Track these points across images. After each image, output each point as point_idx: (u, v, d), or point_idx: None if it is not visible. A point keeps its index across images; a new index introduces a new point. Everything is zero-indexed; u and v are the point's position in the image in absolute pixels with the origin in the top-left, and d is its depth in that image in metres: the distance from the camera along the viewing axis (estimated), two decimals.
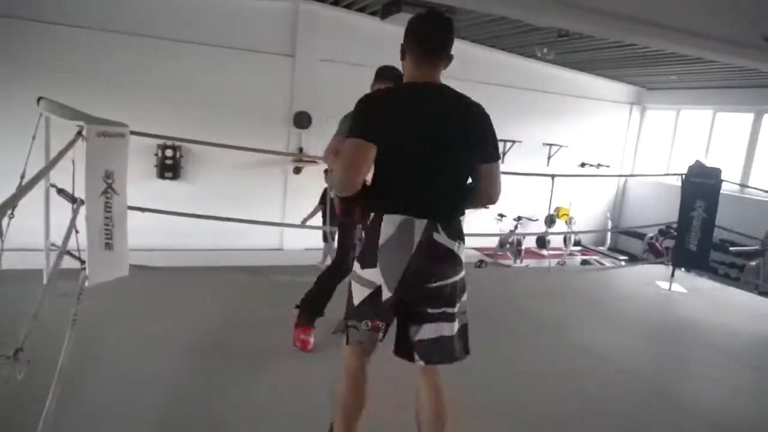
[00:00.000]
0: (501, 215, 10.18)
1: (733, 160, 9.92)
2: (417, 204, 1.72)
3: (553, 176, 4.60)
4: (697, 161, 4.97)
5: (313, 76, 8.77)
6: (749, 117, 9.81)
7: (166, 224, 6.77)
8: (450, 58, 1.82)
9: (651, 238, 9.81)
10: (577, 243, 10.71)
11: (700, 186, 4.76)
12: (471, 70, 9.73)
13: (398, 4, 5.62)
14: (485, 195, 1.85)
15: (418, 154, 1.71)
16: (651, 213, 9.32)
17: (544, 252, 10.58)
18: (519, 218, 10.01)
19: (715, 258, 8.85)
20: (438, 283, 1.73)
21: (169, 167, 7.90)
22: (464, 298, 1.83)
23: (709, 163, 9.54)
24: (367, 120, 1.74)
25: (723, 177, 4.91)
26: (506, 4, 4.68)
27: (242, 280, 4.32)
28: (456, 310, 1.78)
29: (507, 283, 5.25)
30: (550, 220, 10.57)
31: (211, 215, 4.59)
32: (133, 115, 3.47)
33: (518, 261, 9.50)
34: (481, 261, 9.06)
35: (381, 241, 1.72)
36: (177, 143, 7.76)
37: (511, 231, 9.83)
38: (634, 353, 3.55)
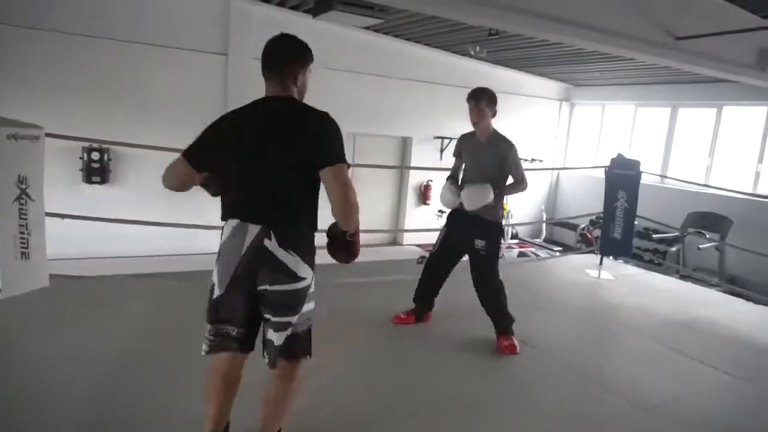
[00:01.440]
0: (441, 211, 10.37)
1: (654, 152, 10.54)
2: (249, 210, 1.83)
3: None
4: (619, 154, 5.24)
5: (248, 75, 8.60)
6: (667, 111, 10.44)
7: (97, 231, 6.49)
8: (290, 72, 1.95)
9: (583, 228, 10.25)
10: (514, 236, 11.05)
11: (622, 177, 5.02)
12: (407, 68, 9.88)
13: (329, 2, 5.60)
14: (332, 200, 1.83)
15: (245, 165, 1.84)
16: (582, 204, 9.74)
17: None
18: (441, 212, 10.23)
19: (640, 245, 9.37)
20: (274, 288, 1.80)
21: (97, 171, 7.54)
22: (306, 309, 1.89)
23: (632, 155, 10.10)
24: (198, 140, 1.95)
25: (642, 168, 5.21)
26: (433, 3, 4.75)
27: (175, 287, 4.19)
28: (295, 320, 1.85)
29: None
30: None
31: (140, 220, 4.42)
32: (59, 117, 3.30)
33: None
34: (422, 257, 9.17)
35: (220, 242, 1.86)
36: (105, 146, 7.42)
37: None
38: (562, 338, 3.70)
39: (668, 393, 2.98)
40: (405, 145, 10.67)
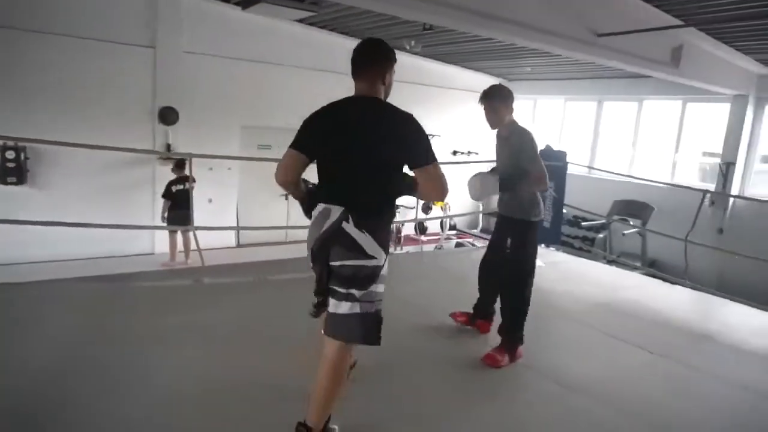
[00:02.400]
0: None
1: (582, 144, 11.02)
2: (334, 196, 2.06)
3: None
4: (547, 145, 5.44)
5: (178, 68, 8.32)
6: (593, 105, 10.94)
7: (16, 235, 6.10)
8: (378, 72, 2.20)
9: None
10: (452, 227, 11.27)
11: (550, 168, 5.20)
12: (344, 62, 9.82)
13: None
14: (428, 193, 2.20)
15: (336, 157, 2.09)
16: None
17: (423, 238, 11.04)
18: (397, 207, 10.30)
19: (570, 233, 9.79)
20: (338, 263, 2.01)
21: (12, 171, 7.07)
22: (374, 288, 2.04)
23: (562, 147, 10.48)
24: (302, 132, 2.14)
25: (569, 159, 5.45)
26: None
27: (97, 290, 4.00)
28: (359, 294, 2.01)
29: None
30: (426, 207, 11.05)
31: (59, 221, 4.18)
32: None
33: (398, 248, 9.77)
34: None
35: (310, 222, 2.12)
36: (21, 144, 6.96)
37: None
38: (494, 325, 3.80)
39: (595, 373, 3.13)
40: None
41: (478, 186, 3.16)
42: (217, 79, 8.71)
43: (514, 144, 3.15)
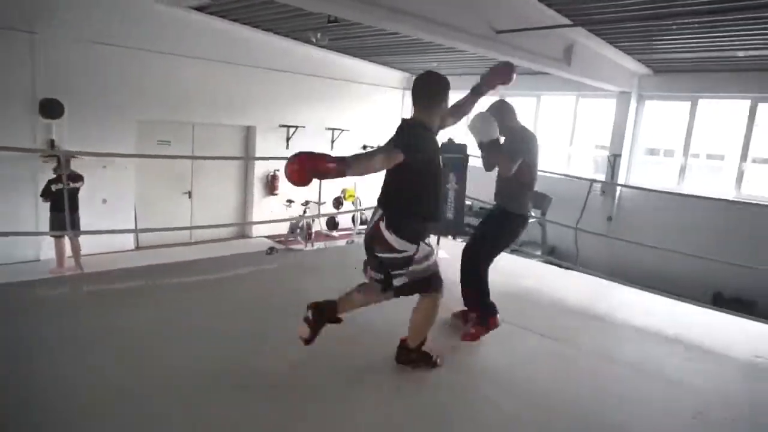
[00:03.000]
0: (290, 201, 10.22)
1: None
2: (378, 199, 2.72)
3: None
4: (449, 138, 5.55)
5: (63, 57, 7.64)
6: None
7: None
8: (425, 103, 2.79)
9: None
10: (364, 222, 11.28)
11: (452, 161, 5.33)
12: (249, 54, 9.51)
13: None
14: None
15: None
16: None
17: (335, 233, 10.97)
18: (307, 203, 10.16)
19: (476, 224, 10.10)
20: (382, 255, 2.63)
21: None
22: (414, 267, 2.64)
23: (467, 140, 10.76)
24: (402, 140, 2.65)
25: (469, 151, 5.59)
26: None
27: None
28: (405, 272, 2.64)
29: (288, 267, 5.25)
30: (337, 202, 10.99)
31: None
32: None
33: (309, 244, 9.65)
34: (272, 248, 8.98)
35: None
36: None
37: (300, 216, 9.93)
38: (396, 320, 3.81)
39: (496, 360, 3.22)
40: (249, 134, 10.32)
41: (478, 120, 3.38)
42: (109, 70, 8.11)
43: (507, 138, 3.42)
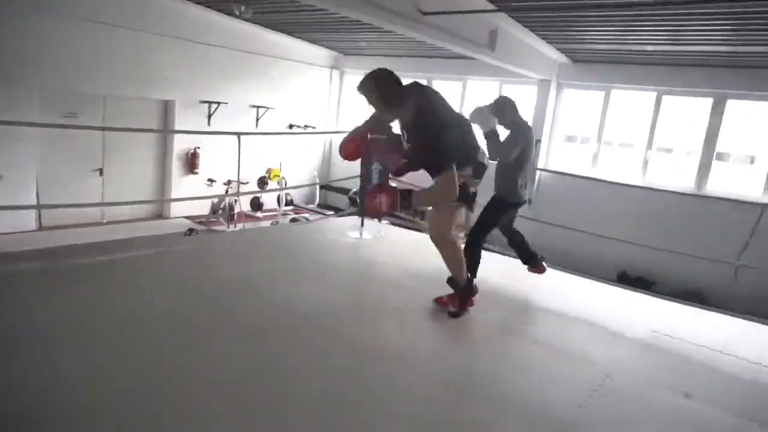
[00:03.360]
0: (211, 180, 9.85)
1: None
2: None
3: (238, 134, 4.50)
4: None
5: None
6: (422, 83, 11.41)
7: None
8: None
9: (354, 192, 10.75)
10: (289, 203, 11.08)
11: (376, 140, 5.27)
12: (167, 24, 8.97)
13: None
14: None
15: None
16: (353, 169, 10.18)
17: (259, 214, 10.71)
18: (229, 182, 9.82)
19: None
20: None
21: None
22: None
23: (395, 123, 10.70)
24: None
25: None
26: None
27: None
28: None
29: (207, 250, 5.05)
30: (262, 182, 10.72)
31: None
32: None
33: (232, 225, 9.35)
34: (191, 229, 8.65)
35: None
36: None
37: (222, 195, 9.58)
38: (317, 300, 3.77)
39: (409, 342, 3.24)
40: (167, 109, 9.78)
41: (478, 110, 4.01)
42: (6, 34, 7.37)
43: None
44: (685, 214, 8.19)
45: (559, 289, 4.59)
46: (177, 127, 9.62)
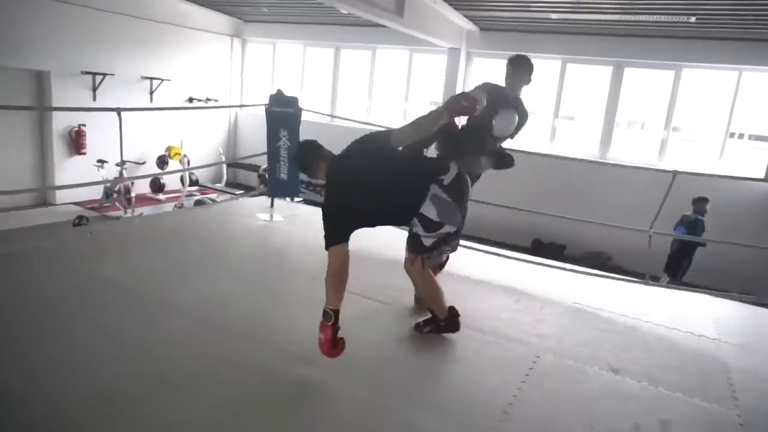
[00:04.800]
0: (101, 161, 8.89)
1: (323, 91, 11.05)
2: None
3: (119, 110, 3.92)
4: (279, 90, 5.05)
5: None
6: (331, 52, 10.96)
7: None
8: None
9: (264, 169, 10.19)
10: (194, 183, 10.32)
11: (282, 115, 4.86)
12: None
13: None
14: None
15: None
16: (264, 144, 9.62)
17: (161, 196, 9.89)
18: (123, 162, 8.91)
19: (318, 182, 9.83)
20: None
21: None
22: None
23: (302, 93, 10.27)
24: None
25: (308, 107, 5.18)
26: None
27: None
28: None
29: (95, 241, 4.43)
30: (161, 162, 9.88)
31: None
32: None
33: (130, 210, 8.53)
34: (81, 217, 7.77)
35: None
36: None
37: (116, 178, 8.69)
38: (219, 294, 3.38)
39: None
40: (41, 80, 8.61)
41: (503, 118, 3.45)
42: None
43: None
44: (589, 180, 8.49)
45: (482, 265, 4.49)
46: (56, 101, 8.51)
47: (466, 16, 8.68)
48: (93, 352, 2.52)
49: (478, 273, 4.24)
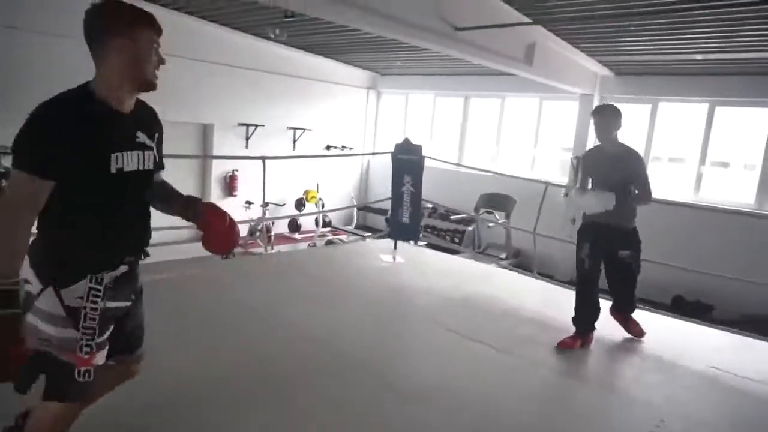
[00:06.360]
0: (249, 202, 9.89)
1: (452, 139, 11.30)
2: None
3: (263, 158, 4.42)
4: (406, 139, 5.34)
5: None
6: (460, 101, 11.23)
7: None
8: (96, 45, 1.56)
9: (391, 213, 10.59)
10: (327, 224, 11.01)
11: (407, 162, 5.13)
12: (205, 49, 9.13)
13: None
14: None
15: None
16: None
17: (297, 236, 10.67)
18: (267, 204, 9.82)
19: (442, 227, 10.00)
20: None
21: None
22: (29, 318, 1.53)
23: (432, 142, 10.59)
24: None
25: (432, 153, 5.41)
26: None
27: None
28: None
29: (239, 273, 4.96)
30: (299, 204, 10.70)
31: None
32: None
33: (269, 248, 9.32)
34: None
35: None
36: None
37: (259, 218, 9.58)
38: (344, 330, 3.59)
39: (435, 375, 3.01)
40: (206, 132, 9.93)
41: (596, 202, 3.46)
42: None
43: (629, 164, 3.55)
44: (744, 233, 7.61)
45: (606, 317, 4.25)
46: (215, 150, 9.72)
47: (599, 62, 8.46)
48: (227, 359, 2.83)
49: (607, 326, 4.02)
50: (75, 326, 1.53)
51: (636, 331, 3.78)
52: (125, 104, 1.60)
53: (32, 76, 6.65)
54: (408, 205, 5.14)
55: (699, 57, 7.29)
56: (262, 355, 3.02)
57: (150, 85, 1.62)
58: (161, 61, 1.66)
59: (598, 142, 3.77)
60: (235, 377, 2.75)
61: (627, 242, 3.58)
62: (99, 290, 1.56)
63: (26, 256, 1.50)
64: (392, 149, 5.24)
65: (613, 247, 3.57)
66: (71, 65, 7.60)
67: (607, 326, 3.99)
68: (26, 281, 1.51)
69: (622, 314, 3.82)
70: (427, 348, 3.43)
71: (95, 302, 1.54)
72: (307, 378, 2.81)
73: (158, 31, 1.66)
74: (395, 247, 5.67)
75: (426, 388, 2.82)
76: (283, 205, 10.33)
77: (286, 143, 10.88)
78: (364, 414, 2.55)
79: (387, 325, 3.88)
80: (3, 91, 6.75)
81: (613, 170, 3.49)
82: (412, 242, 6.28)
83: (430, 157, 5.34)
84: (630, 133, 9.26)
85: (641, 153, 3.98)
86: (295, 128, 10.95)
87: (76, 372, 1.54)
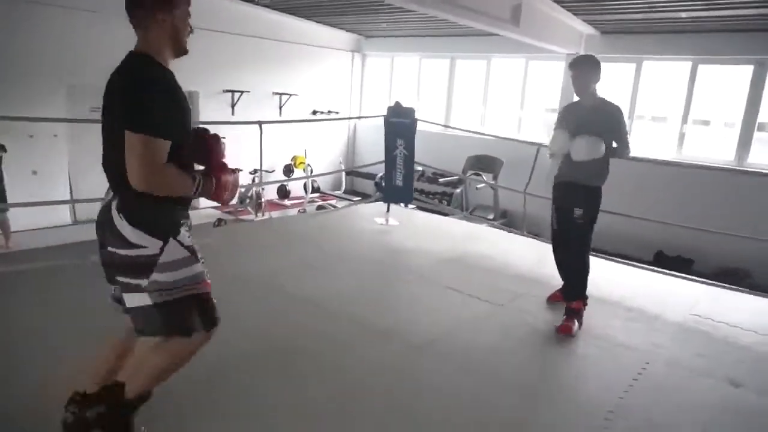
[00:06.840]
0: (237, 170, 9.87)
1: (438, 101, 11.31)
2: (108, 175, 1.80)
3: (260, 123, 4.46)
4: (396, 102, 5.39)
5: None
6: (446, 63, 11.19)
7: None
8: (142, 16, 1.77)
9: (380, 177, 10.67)
10: (316, 190, 11.07)
11: (399, 125, 5.19)
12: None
13: None
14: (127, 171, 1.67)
15: (102, 126, 1.80)
16: (380, 153, 10.11)
17: (286, 202, 10.74)
18: (255, 171, 9.84)
19: (429, 190, 10.12)
20: (109, 249, 1.74)
21: None
22: (156, 277, 1.71)
23: (417, 104, 10.58)
24: None
25: (425, 117, 5.46)
26: None
27: None
28: (144, 284, 1.72)
29: (232, 241, 5.05)
30: (288, 170, 10.72)
31: None
32: None
33: (260, 214, 9.38)
34: (220, 220, 8.72)
35: None
36: None
37: (249, 184, 9.61)
38: (342, 290, 3.72)
39: (436, 329, 3.18)
40: (191, 99, 9.81)
41: (586, 148, 3.21)
42: (29, 30, 7.47)
43: (608, 117, 3.28)
44: (724, 189, 7.86)
45: (597, 274, 4.44)
46: (201, 117, 9.64)
47: (585, 21, 8.47)
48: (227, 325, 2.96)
49: (595, 282, 4.21)
50: (197, 260, 1.81)
51: (562, 327, 3.23)
52: None
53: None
54: (401, 168, 5.24)
55: (684, 15, 7.35)
56: (263, 321, 3.14)
57: (185, 52, 1.85)
58: (191, 31, 1.86)
59: (576, 98, 3.45)
60: (234, 341, 2.88)
61: (582, 200, 3.31)
62: (189, 230, 1.84)
63: (130, 227, 1.68)
64: (382, 113, 5.29)
65: (570, 204, 3.35)
66: (88, 38, 7.48)
67: (593, 281, 4.19)
68: (137, 246, 1.69)
69: (560, 296, 3.57)
70: (429, 304, 3.58)
71: (191, 239, 1.81)
72: (314, 340, 2.95)
73: (189, 2, 1.86)
74: (388, 210, 5.78)
75: (430, 340, 2.99)
76: (273, 171, 10.35)
77: (273, 109, 10.81)
78: (373, 361, 2.71)
79: (388, 283, 4.03)
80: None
81: (591, 123, 3.23)
82: (403, 205, 6.39)
83: (421, 120, 5.40)
84: (615, 92, 9.39)
85: (625, 112, 4.02)
86: (281, 93, 10.86)
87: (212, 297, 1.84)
